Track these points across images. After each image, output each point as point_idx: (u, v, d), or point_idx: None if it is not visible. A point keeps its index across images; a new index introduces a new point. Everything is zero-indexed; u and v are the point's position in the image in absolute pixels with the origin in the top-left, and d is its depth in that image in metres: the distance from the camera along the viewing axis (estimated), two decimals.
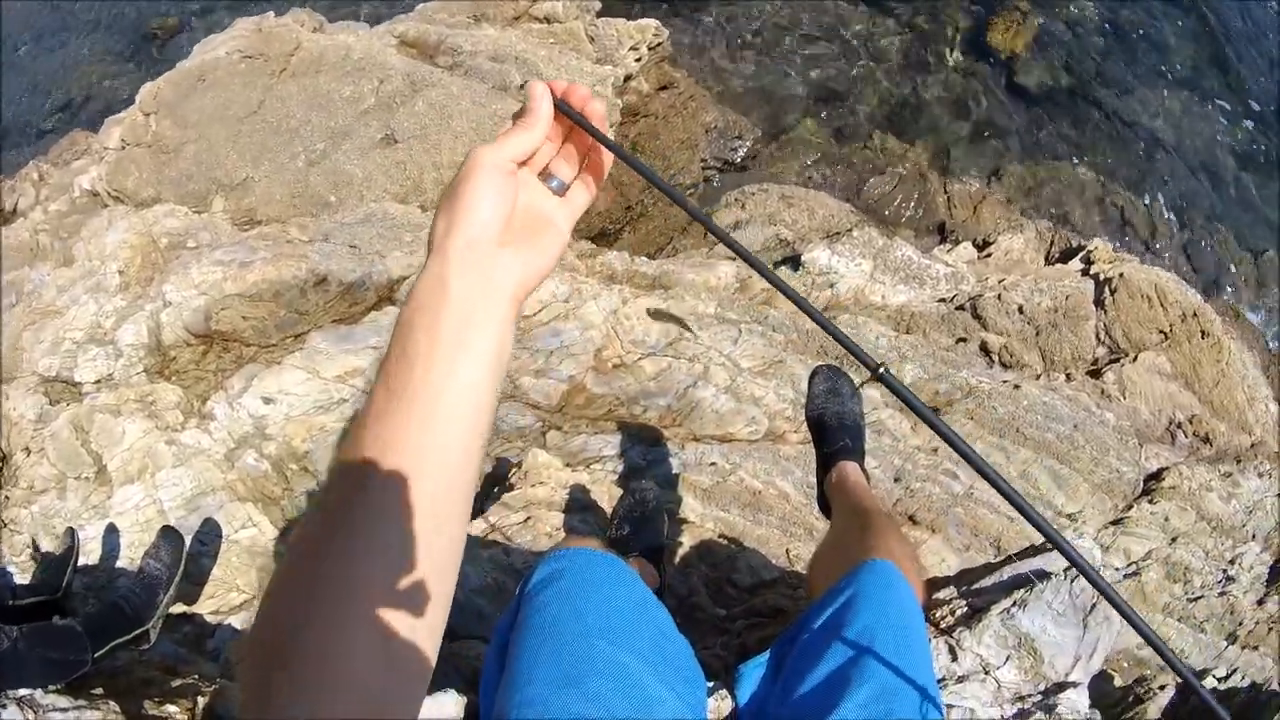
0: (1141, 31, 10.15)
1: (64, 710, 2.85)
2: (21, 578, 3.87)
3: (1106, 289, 4.71)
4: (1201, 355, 4.59)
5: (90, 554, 3.91)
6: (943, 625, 2.16)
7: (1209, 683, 2.60)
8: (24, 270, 5.38)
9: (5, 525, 4.16)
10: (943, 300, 4.74)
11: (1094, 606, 2.04)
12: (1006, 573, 2.23)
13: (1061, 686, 1.99)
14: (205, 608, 3.86)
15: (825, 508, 2.58)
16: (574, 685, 1.42)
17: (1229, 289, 8.10)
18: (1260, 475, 4.06)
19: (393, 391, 0.85)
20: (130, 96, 7.60)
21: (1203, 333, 4.61)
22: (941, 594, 2.26)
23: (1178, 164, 8.97)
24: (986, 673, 2.01)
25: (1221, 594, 3.55)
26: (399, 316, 0.90)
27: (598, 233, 6.29)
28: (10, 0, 11.01)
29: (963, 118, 8.87)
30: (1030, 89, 9.24)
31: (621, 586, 1.65)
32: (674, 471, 3.69)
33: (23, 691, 2.80)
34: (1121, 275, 4.71)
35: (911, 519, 3.66)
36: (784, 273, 4.79)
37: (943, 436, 0.99)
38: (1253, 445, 4.36)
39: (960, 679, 2.00)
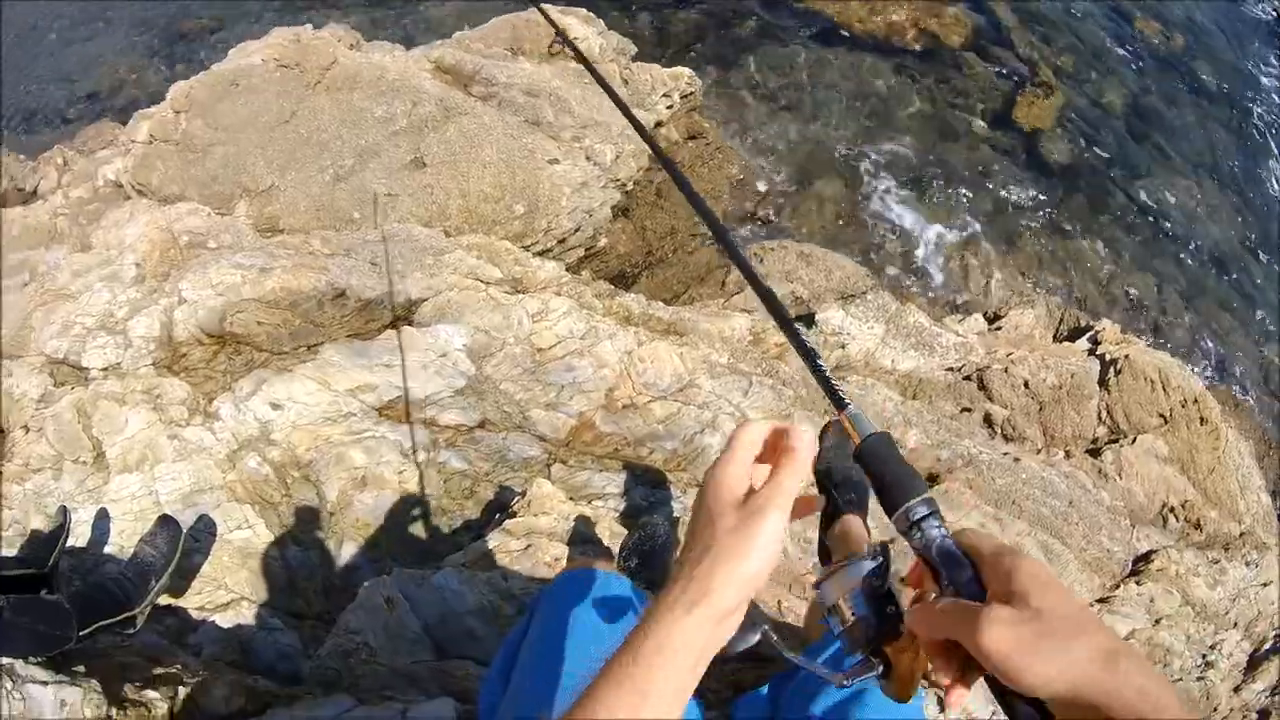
0: (1163, 116, 10.58)
1: (43, 683, 2.96)
2: (7, 551, 3.97)
3: (1111, 370, 4.90)
4: (1199, 441, 4.77)
5: (79, 536, 4.04)
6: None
7: None
8: (39, 251, 5.55)
9: None
10: (950, 369, 4.92)
11: None
12: None
13: None
14: (191, 603, 3.97)
15: (825, 559, 2.71)
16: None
17: (1231, 377, 8.32)
18: (1247, 564, 4.21)
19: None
20: (156, 93, 7.81)
21: (1202, 419, 4.79)
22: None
23: (1189, 250, 9.29)
24: None
25: (1200, 679, 3.69)
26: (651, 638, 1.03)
27: (616, 274, 6.48)
28: None
29: (984, 189, 9.16)
30: (1050, 164, 9.58)
31: (629, 604, 1.80)
32: (674, 515, 3.84)
33: (2, 660, 2.91)
34: (1127, 357, 4.90)
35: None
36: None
37: None
38: (1241, 534, 4.51)
39: None
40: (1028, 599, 0.88)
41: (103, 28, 10.82)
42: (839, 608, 1.07)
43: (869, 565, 1.08)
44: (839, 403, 1.13)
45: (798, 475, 1.07)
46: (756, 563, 1.01)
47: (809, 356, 1.22)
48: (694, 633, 1.01)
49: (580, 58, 2.69)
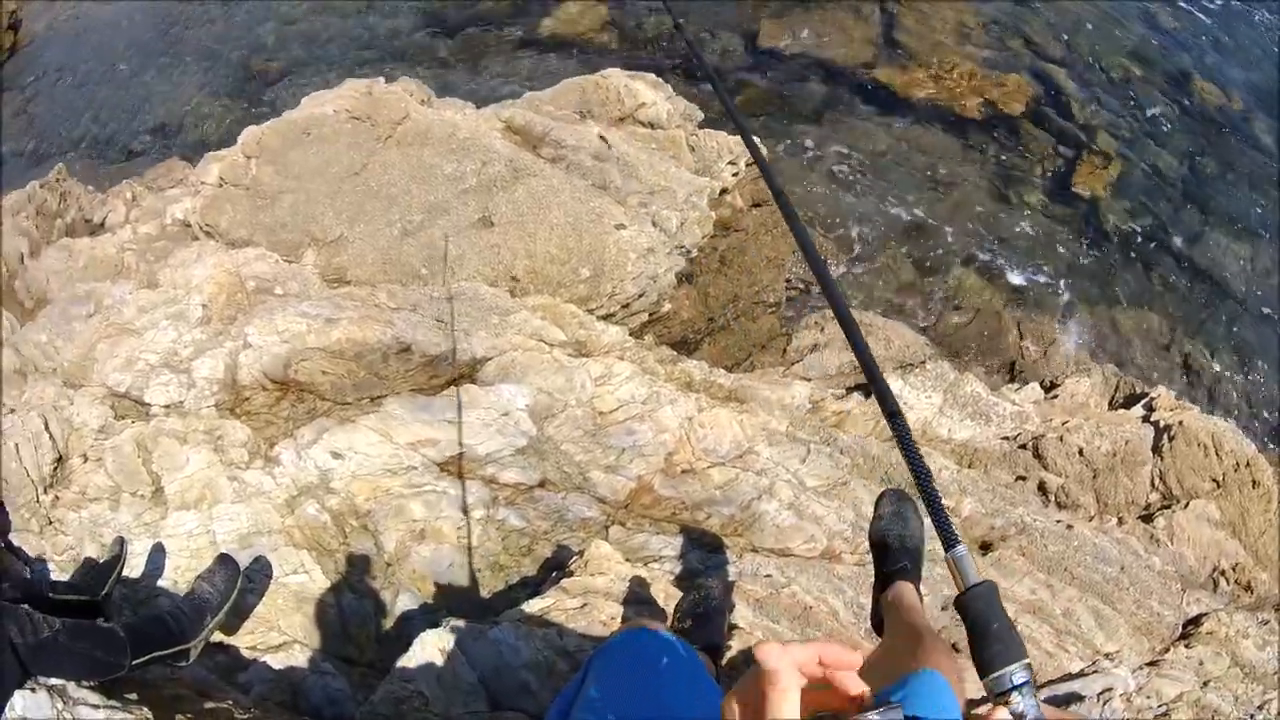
0: (1220, 180, 10.82)
1: (95, 707, 3.18)
2: (60, 576, 4.17)
3: (1165, 436, 5.05)
4: (1251, 504, 4.90)
5: (134, 569, 4.25)
6: None
7: None
8: (105, 284, 5.83)
9: (51, 523, 4.49)
10: (1006, 438, 5.08)
11: None
12: (1042, 695, 2.51)
13: None
14: (243, 641, 4.16)
15: (878, 624, 2.90)
16: None
17: None
18: None
19: None
20: (224, 132, 8.17)
21: (1254, 482, 4.93)
22: (979, 710, 2.55)
23: (1246, 314, 9.47)
24: None
25: None
26: None
27: (679, 340, 6.70)
28: (122, 18, 11.77)
29: (1041, 257, 9.40)
30: (1109, 232, 9.86)
31: (685, 665, 1.96)
32: (730, 579, 4.02)
33: (54, 681, 3.10)
34: (1181, 423, 5.05)
35: (955, 647, 3.94)
36: (854, 399, 5.15)
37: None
38: None
39: None
40: None
41: (175, 62, 11.36)
42: None
43: None
44: (949, 541, 1.10)
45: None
46: None
47: (923, 479, 1.19)
48: None
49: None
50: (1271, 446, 8.14)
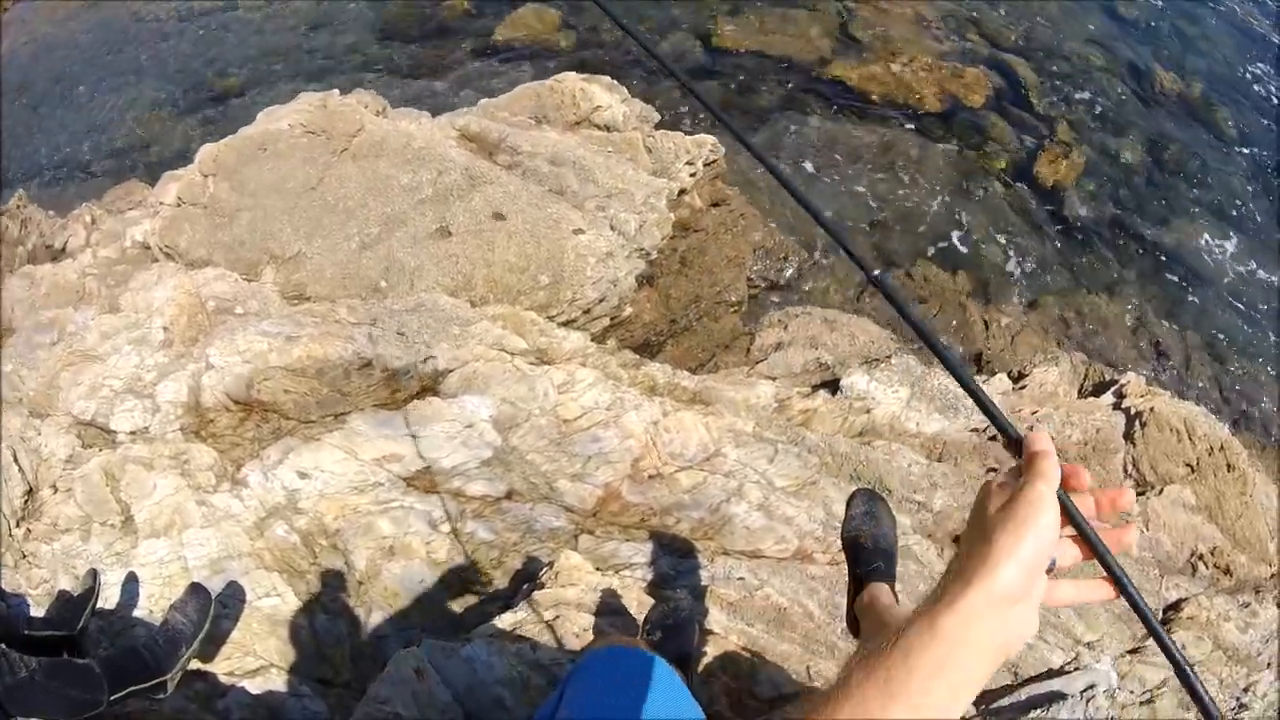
0: (1183, 166, 10.88)
1: None
2: (36, 611, 4.12)
3: (1137, 423, 5.06)
4: (1226, 488, 4.92)
5: (108, 600, 4.18)
6: None
7: None
8: (67, 311, 5.75)
9: (25, 557, 4.43)
10: (975, 430, 5.06)
11: None
12: (1024, 694, 2.51)
13: None
14: (220, 668, 4.11)
15: (854, 626, 2.88)
16: None
17: (1255, 421, 8.45)
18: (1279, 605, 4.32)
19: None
20: (183, 150, 8.07)
21: (1229, 466, 4.95)
22: None
23: (1213, 298, 9.55)
24: None
25: None
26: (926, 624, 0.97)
27: (641, 343, 6.66)
28: (78, 38, 11.64)
29: (1005, 248, 9.41)
30: (1072, 221, 9.88)
31: (662, 680, 1.93)
32: (702, 583, 4.01)
33: None
34: (1152, 409, 5.06)
35: None
36: (821, 396, 5.12)
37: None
38: (1272, 575, 4.65)
39: None
40: None
41: (133, 81, 11.24)
42: None
43: None
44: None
45: (1051, 464, 1.04)
46: (1033, 536, 0.98)
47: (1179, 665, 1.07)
48: (968, 624, 0.96)
49: None
50: (1244, 428, 8.18)
